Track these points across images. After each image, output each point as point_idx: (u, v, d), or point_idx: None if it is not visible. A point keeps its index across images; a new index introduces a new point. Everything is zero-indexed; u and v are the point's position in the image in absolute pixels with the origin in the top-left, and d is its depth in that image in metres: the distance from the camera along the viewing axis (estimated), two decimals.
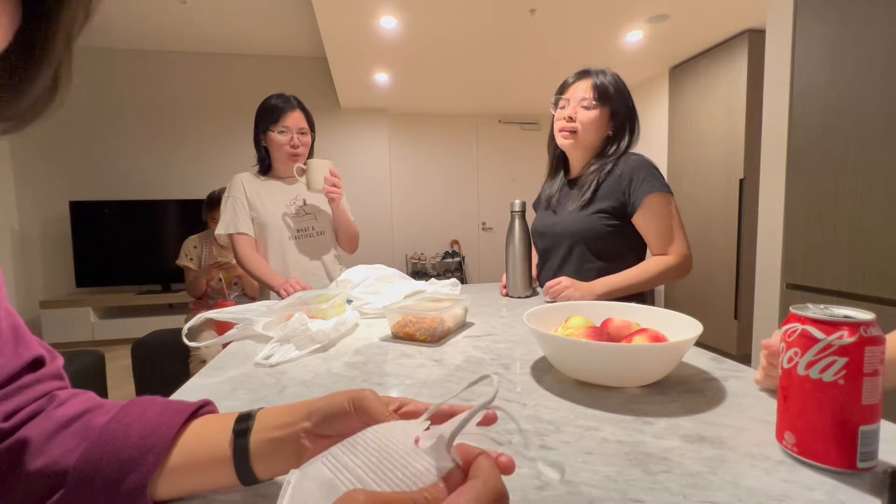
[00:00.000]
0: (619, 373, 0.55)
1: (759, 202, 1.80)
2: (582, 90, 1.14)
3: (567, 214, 1.18)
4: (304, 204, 1.48)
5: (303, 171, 1.42)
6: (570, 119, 1.15)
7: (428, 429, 0.27)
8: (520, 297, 1.19)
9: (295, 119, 1.42)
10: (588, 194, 1.13)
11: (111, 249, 3.83)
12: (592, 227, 1.13)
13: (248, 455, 0.32)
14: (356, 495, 0.21)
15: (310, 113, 1.48)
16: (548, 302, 1.17)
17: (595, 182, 1.13)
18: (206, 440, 0.33)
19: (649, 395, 0.53)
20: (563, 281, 1.08)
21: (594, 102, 1.13)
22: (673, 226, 1.09)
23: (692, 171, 3.34)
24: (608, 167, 1.13)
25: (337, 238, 1.57)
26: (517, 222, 1.20)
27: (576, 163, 1.24)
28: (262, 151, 1.47)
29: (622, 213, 1.12)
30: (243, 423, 0.33)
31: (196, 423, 0.35)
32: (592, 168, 1.16)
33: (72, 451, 0.31)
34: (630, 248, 1.14)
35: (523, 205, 1.20)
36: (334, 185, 1.40)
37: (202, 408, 0.37)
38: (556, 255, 1.21)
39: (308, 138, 1.46)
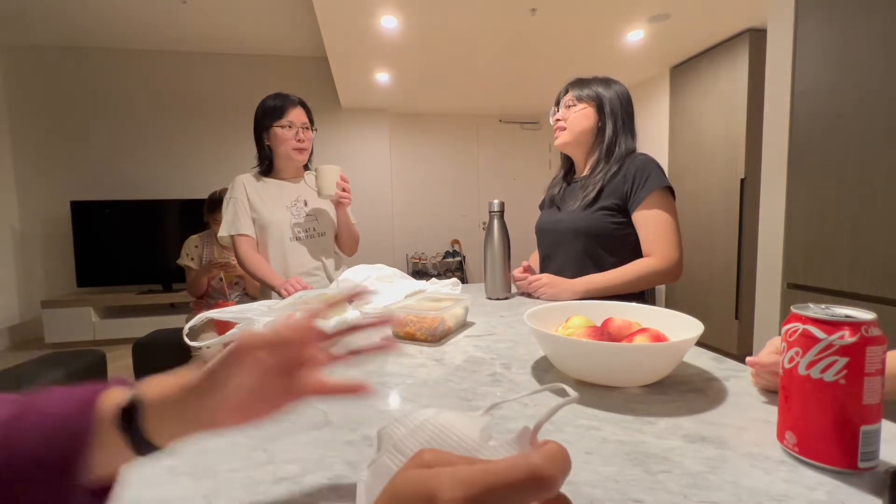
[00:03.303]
0: (619, 372, 0.55)
1: (760, 202, 1.80)
2: (568, 96, 1.23)
3: (570, 212, 1.19)
4: (306, 205, 1.49)
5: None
6: (558, 120, 1.24)
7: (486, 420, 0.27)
8: (498, 299, 1.18)
9: (297, 114, 1.43)
10: (593, 193, 1.14)
11: (112, 249, 3.83)
12: (596, 224, 1.13)
13: (145, 442, 0.31)
14: (423, 454, 0.21)
15: (310, 110, 1.49)
16: (522, 294, 1.19)
17: (601, 182, 1.14)
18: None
19: (650, 395, 0.53)
20: (543, 278, 1.13)
21: (575, 101, 1.21)
22: (667, 228, 1.08)
23: (693, 171, 3.34)
24: (614, 168, 1.14)
25: (338, 240, 1.57)
26: (496, 223, 1.20)
27: (578, 161, 1.27)
28: (265, 150, 1.47)
29: (626, 211, 1.13)
30: (127, 417, 0.31)
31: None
32: (596, 169, 1.18)
33: None
34: (634, 246, 1.14)
35: (502, 205, 1.20)
36: (344, 191, 1.41)
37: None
38: (560, 252, 1.21)
39: (310, 134, 1.47)
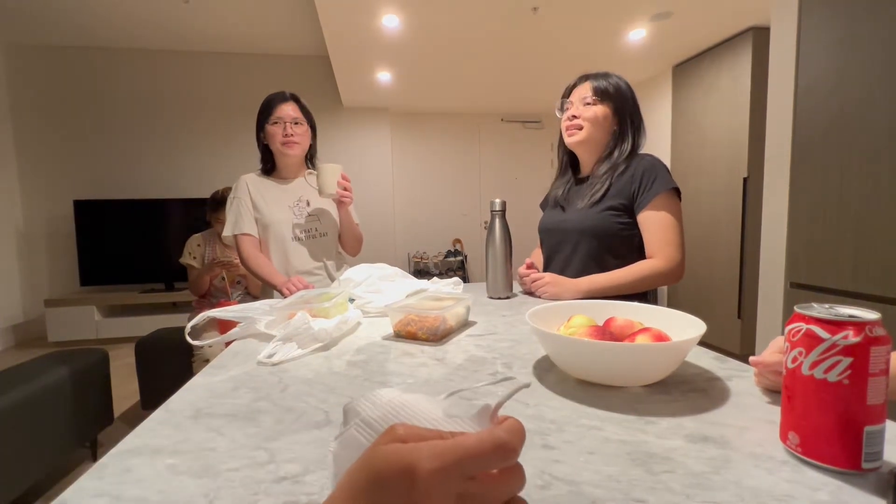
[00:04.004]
0: (621, 372, 0.55)
1: (762, 201, 1.79)
2: (583, 91, 1.18)
3: (576, 211, 1.18)
4: (308, 205, 1.49)
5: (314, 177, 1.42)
6: (574, 117, 1.18)
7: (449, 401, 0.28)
8: (500, 298, 1.18)
9: (286, 109, 1.42)
10: (599, 193, 1.13)
11: (115, 248, 3.84)
12: (602, 223, 1.13)
13: None
14: (396, 428, 0.23)
15: (306, 107, 1.48)
16: (524, 293, 1.19)
17: (608, 182, 1.13)
18: None
19: (652, 395, 0.53)
20: (545, 276, 1.12)
21: (595, 98, 1.16)
22: (671, 230, 1.08)
23: (695, 170, 3.33)
24: (620, 168, 1.13)
25: (341, 241, 1.57)
26: (497, 222, 1.19)
27: (585, 161, 1.25)
28: (264, 150, 1.48)
29: (632, 211, 1.12)
30: None
31: None
32: (604, 168, 1.17)
33: None
34: (639, 247, 1.14)
35: (503, 204, 1.19)
36: (345, 190, 1.40)
37: None
38: (564, 251, 1.21)
39: (303, 129, 1.45)
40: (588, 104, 1.16)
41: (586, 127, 1.16)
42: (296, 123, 1.43)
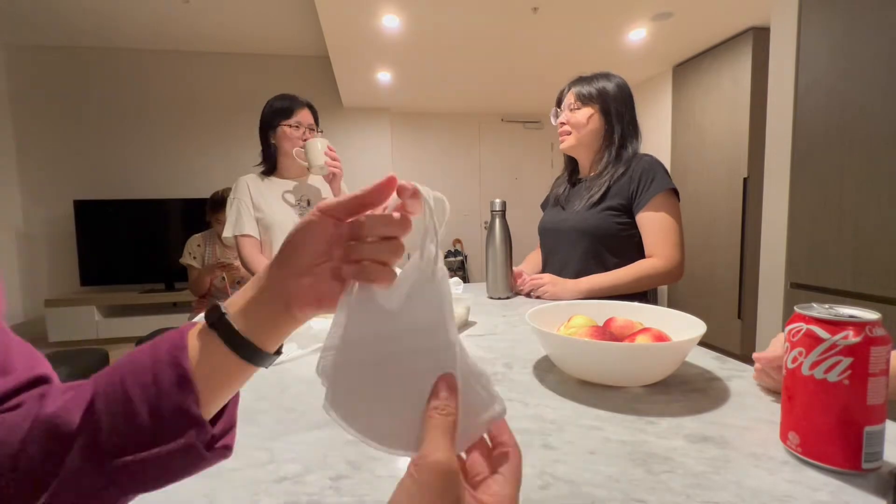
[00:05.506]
0: (621, 372, 0.55)
1: (762, 201, 1.79)
2: (570, 97, 1.21)
3: (575, 212, 1.19)
4: (309, 204, 1.49)
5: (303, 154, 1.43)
6: (563, 124, 1.22)
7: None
8: (500, 299, 1.18)
9: (305, 115, 1.46)
10: (598, 194, 1.14)
11: (115, 248, 3.84)
12: (601, 224, 1.13)
13: (233, 330, 0.30)
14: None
15: (317, 113, 1.52)
16: (523, 294, 1.20)
17: (608, 183, 1.14)
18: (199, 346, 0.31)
19: (652, 395, 0.53)
20: (545, 277, 1.13)
21: (578, 104, 1.19)
22: (671, 230, 1.08)
23: (695, 170, 3.33)
24: (621, 169, 1.14)
25: None
26: (497, 222, 1.19)
27: (583, 163, 1.27)
28: (271, 149, 1.48)
29: (631, 211, 1.13)
30: (214, 313, 0.31)
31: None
32: (599, 170, 1.17)
33: (88, 385, 0.29)
34: (638, 247, 1.14)
35: (503, 204, 1.20)
36: (334, 161, 1.42)
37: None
38: (563, 251, 1.21)
39: (315, 136, 1.47)
40: (573, 110, 1.19)
41: (573, 133, 1.19)
42: (311, 130, 1.47)
